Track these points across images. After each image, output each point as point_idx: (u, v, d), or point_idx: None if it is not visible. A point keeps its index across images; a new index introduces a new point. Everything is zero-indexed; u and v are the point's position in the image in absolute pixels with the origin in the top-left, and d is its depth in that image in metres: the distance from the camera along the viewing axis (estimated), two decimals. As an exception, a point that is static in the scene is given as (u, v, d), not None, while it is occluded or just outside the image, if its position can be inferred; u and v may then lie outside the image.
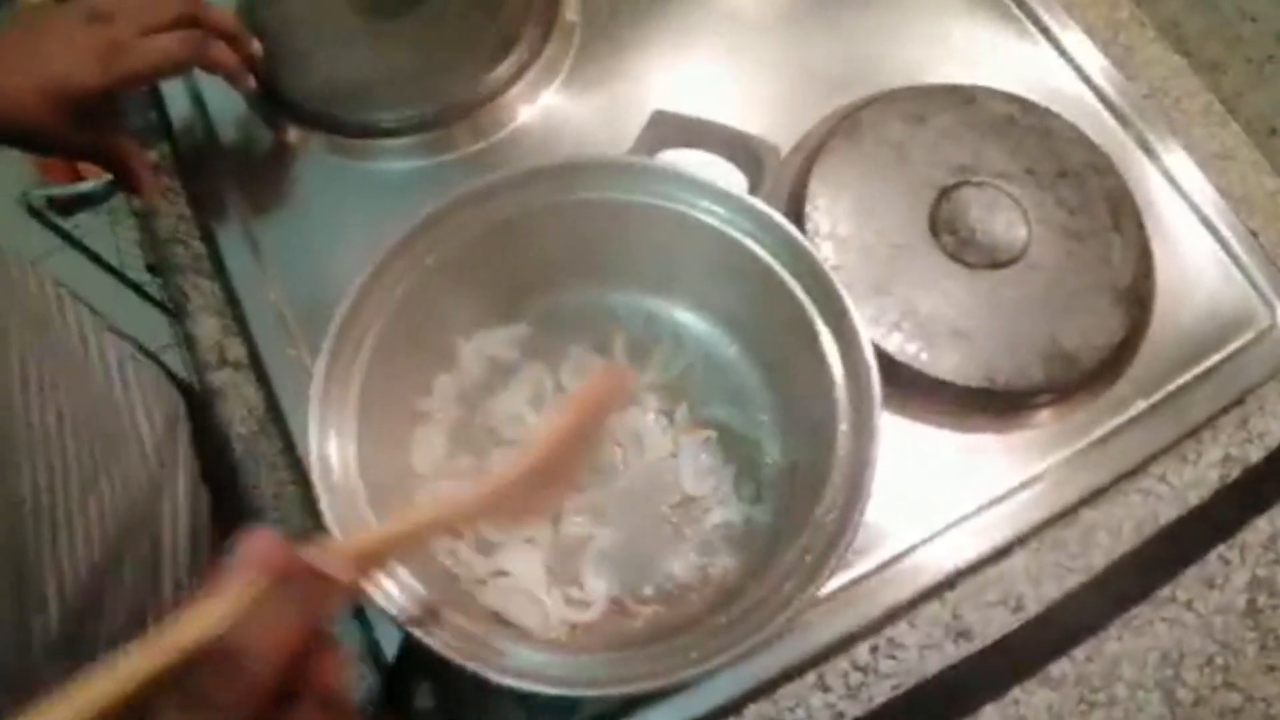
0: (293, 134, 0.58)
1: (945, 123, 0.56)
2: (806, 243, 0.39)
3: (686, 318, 0.48)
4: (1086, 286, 0.53)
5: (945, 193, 0.54)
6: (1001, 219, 0.53)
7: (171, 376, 0.58)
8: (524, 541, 0.45)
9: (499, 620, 0.43)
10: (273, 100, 0.58)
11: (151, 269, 0.64)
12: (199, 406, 0.56)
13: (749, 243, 0.40)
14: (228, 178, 0.56)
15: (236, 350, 0.52)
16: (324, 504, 0.37)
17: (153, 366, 0.50)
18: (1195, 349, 0.54)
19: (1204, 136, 0.61)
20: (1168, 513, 0.51)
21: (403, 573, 0.37)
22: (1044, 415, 0.52)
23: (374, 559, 0.34)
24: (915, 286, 0.52)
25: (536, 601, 0.44)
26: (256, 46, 0.53)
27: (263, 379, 0.51)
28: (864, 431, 0.37)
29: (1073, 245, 0.54)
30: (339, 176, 0.57)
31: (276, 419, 0.51)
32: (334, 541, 0.36)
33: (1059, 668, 0.48)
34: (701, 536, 0.45)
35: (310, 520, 0.49)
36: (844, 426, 0.38)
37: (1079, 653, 0.49)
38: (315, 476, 0.37)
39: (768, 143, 0.45)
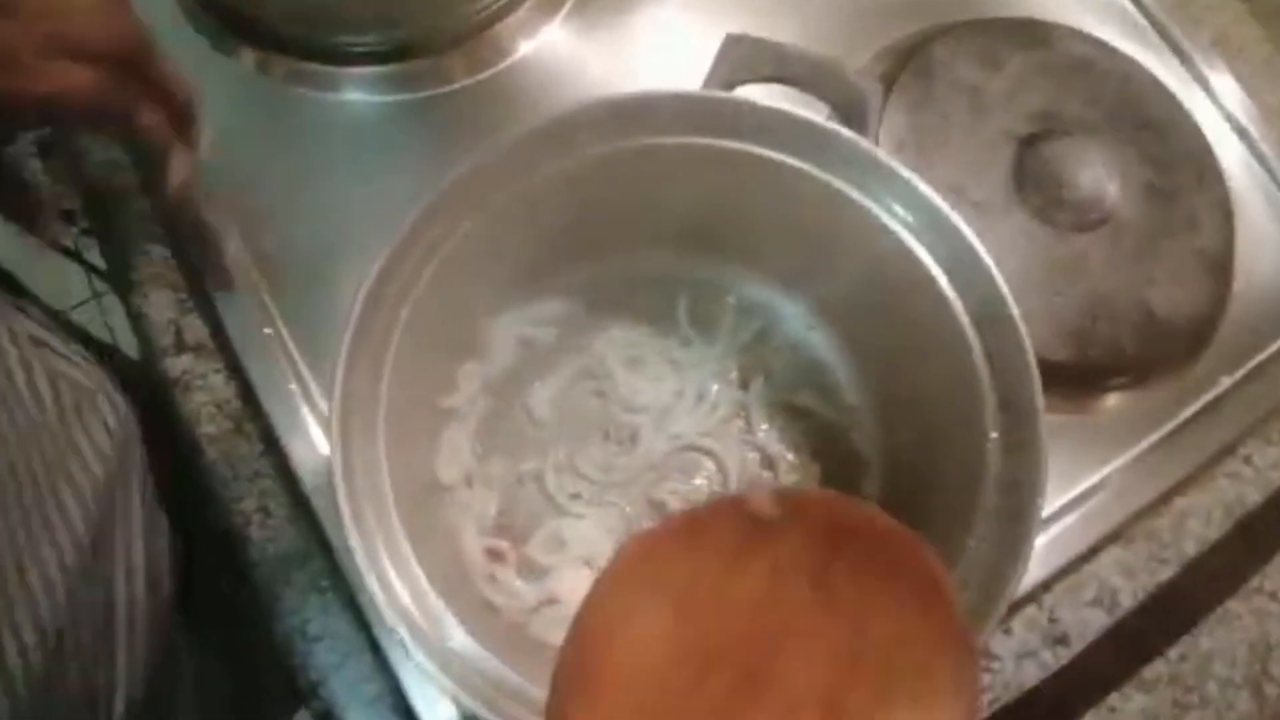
0: (247, 58, 0.48)
1: (1021, 64, 0.49)
2: (956, 215, 0.32)
3: (762, 292, 0.40)
4: (1175, 251, 0.48)
5: (1026, 144, 0.48)
6: (1087, 174, 0.48)
7: (107, 357, 0.46)
8: (579, 562, 0.38)
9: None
10: (223, 18, 0.47)
11: (86, 232, 0.52)
12: (148, 393, 0.45)
13: (874, 208, 0.33)
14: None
15: (197, 331, 0.42)
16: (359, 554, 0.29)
17: (95, 371, 0.38)
18: (1275, 318, 0.50)
19: (1267, 91, 0.56)
20: (1253, 496, 0.48)
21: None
22: (1124, 394, 0.48)
23: None
24: (1000, 251, 0.46)
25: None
26: (208, 140, 0.39)
27: (234, 366, 0.42)
28: (1026, 445, 0.30)
29: (1159, 205, 0.48)
30: (303, 112, 0.47)
31: (254, 414, 0.41)
32: None
33: (1153, 670, 0.44)
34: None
35: (307, 541, 0.40)
36: (994, 435, 0.31)
37: (1172, 652, 0.45)
38: (347, 520, 0.29)
39: (873, 81, 0.37)
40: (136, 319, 0.42)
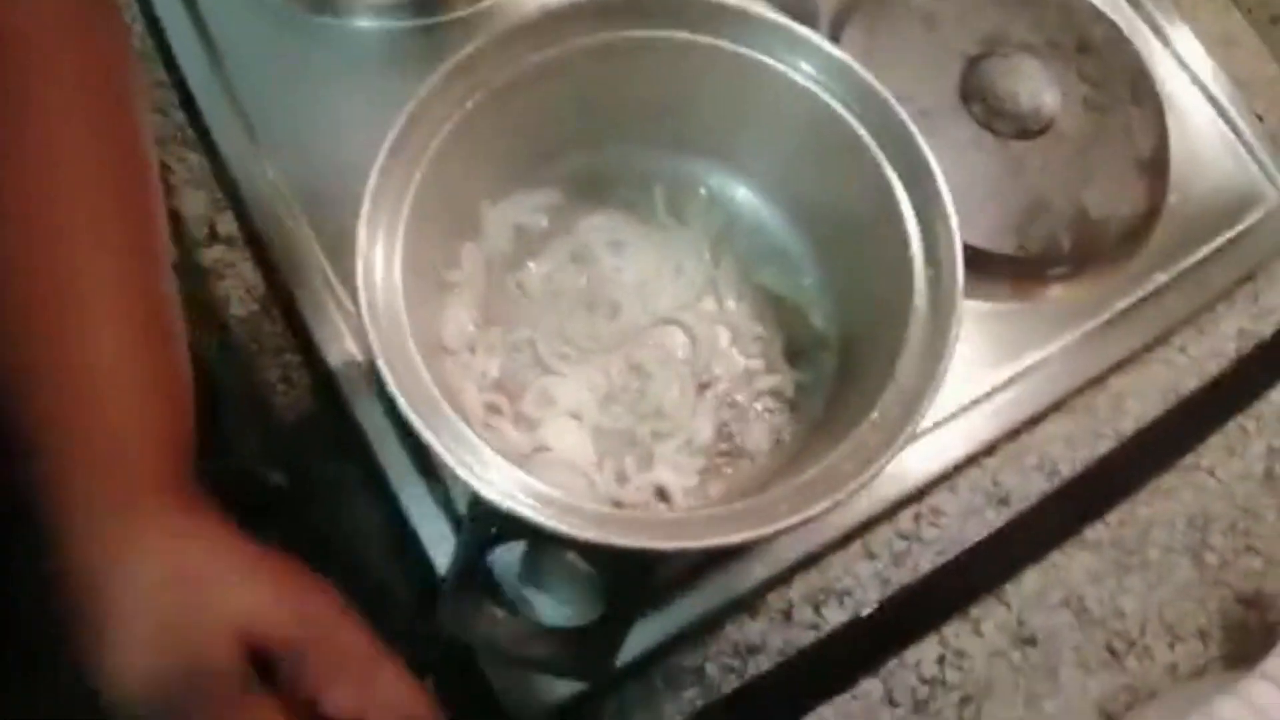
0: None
1: (971, -6, 0.54)
2: (898, 106, 0.37)
3: (725, 179, 0.45)
4: (1110, 157, 0.53)
5: (973, 62, 0.53)
6: (1028, 89, 0.52)
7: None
8: (566, 415, 0.42)
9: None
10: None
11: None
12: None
13: (831, 100, 0.38)
14: (208, 43, 0.51)
15: (228, 225, 0.48)
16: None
17: None
18: (1208, 225, 0.54)
19: (1209, 22, 0.61)
20: (1188, 382, 0.52)
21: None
22: (1066, 286, 0.52)
23: None
24: (945, 154, 0.50)
25: (584, 477, 0.41)
26: None
27: (261, 257, 0.47)
28: (943, 312, 0.35)
29: (1096, 117, 0.53)
30: (325, 38, 0.52)
31: (278, 298, 0.46)
32: None
33: (1094, 532, 0.49)
34: (753, 403, 0.43)
35: (327, 411, 0.45)
36: (919, 303, 0.36)
37: (1112, 518, 0.49)
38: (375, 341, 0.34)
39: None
40: (173, 216, 0.48)
